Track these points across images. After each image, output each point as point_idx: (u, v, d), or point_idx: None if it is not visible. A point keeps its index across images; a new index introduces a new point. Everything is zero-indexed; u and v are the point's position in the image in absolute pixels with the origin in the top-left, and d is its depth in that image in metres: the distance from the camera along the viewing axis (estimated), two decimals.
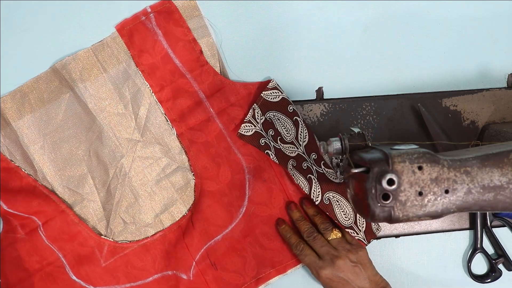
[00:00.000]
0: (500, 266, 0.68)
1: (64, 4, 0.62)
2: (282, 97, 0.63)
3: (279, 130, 0.62)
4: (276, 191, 0.64)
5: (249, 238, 0.64)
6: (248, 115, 0.62)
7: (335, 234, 0.62)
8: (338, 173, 0.54)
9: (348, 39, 0.66)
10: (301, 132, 0.63)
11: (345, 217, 0.61)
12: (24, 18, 0.62)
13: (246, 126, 0.61)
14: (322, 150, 0.53)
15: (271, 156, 0.60)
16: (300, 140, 0.63)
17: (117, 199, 0.63)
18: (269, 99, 0.62)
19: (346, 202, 0.62)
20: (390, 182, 0.44)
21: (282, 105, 0.63)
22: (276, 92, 0.63)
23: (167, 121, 0.63)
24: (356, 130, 0.52)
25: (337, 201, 0.62)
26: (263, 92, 0.62)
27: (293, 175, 0.61)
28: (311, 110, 0.65)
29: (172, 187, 0.64)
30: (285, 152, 0.62)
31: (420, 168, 0.44)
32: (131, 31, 0.62)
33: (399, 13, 0.66)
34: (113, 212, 0.63)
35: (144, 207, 0.64)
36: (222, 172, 0.64)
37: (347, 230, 0.61)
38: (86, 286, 0.63)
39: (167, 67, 0.62)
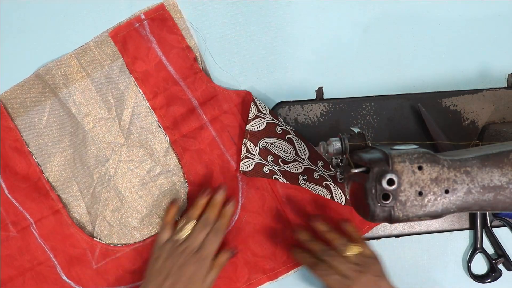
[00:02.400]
0: (500, 266, 0.68)
1: (64, 4, 0.62)
2: (267, 122, 0.62)
3: (277, 154, 0.62)
4: (269, 199, 0.64)
5: (240, 246, 0.64)
6: (242, 152, 0.62)
7: (356, 249, 0.58)
8: (338, 173, 0.54)
9: (348, 39, 0.66)
10: (299, 147, 0.63)
11: None
12: (24, 18, 0.62)
13: (245, 162, 0.61)
14: (322, 150, 0.53)
15: (280, 179, 0.61)
16: (302, 155, 0.63)
17: (103, 202, 0.63)
18: (255, 129, 0.62)
19: None
20: (390, 182, 0.44)
21: (270, 130, 0.62)
22: (259, 121, 0.62)
23: (160, 127, 0.63)
24: (356, 130, 0.52)
25: None
26: (247, 126, 0.62)
27: (310, 188, 0.61)
28: (311, 110, 0.65)
29: (158, 190, 0.64)
30: (291, 171, 0.62)
31: (420, 168, 0.44)
32: (125, 38, 0.62)
33: (399, 13, 0.66)
34: (99, 216, 0.63)
35: (129, 210, 0.64)
36: (215, 180, 0.63)
37: None
38: (77, 287, 0.63)
39: (161, 75, 0.62)
